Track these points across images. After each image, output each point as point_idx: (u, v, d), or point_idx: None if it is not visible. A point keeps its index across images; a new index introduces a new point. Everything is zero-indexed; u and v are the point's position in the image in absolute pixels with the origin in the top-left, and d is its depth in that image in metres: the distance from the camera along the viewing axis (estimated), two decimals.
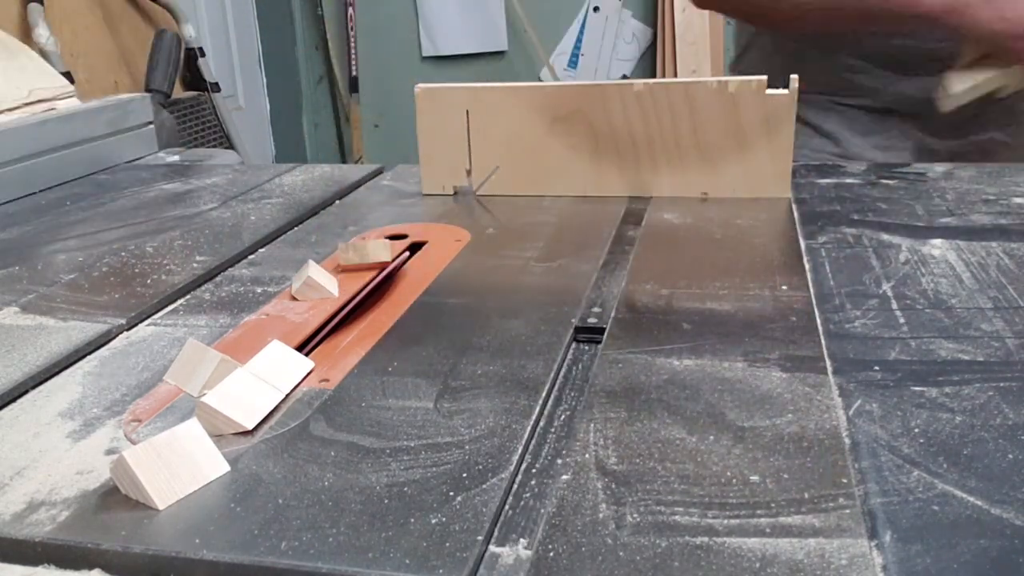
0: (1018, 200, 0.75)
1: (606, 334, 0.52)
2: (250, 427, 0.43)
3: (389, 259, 0.64)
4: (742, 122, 0.78)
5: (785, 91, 0.77)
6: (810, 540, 0.33)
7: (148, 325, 0.58)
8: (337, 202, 0.87)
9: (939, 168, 0.87)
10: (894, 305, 0.55)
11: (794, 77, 0.77)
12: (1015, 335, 0.50)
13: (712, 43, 2.59)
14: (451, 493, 0.37)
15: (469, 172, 0.85)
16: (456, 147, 0.84)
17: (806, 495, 0.36)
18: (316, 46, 2.86)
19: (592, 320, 0.55)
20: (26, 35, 1.57)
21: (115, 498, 0.38)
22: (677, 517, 0.35)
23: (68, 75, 1.44)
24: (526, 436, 0.41)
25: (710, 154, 0.79)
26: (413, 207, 0.83)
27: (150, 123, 1.14)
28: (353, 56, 2.75)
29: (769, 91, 0.77)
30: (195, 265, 0.67)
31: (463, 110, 0.83)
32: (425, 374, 0.48)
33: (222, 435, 0.43)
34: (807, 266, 0.62)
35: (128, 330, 0.57)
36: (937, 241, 0.66)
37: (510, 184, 0.84)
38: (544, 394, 0.46)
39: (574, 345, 0.53)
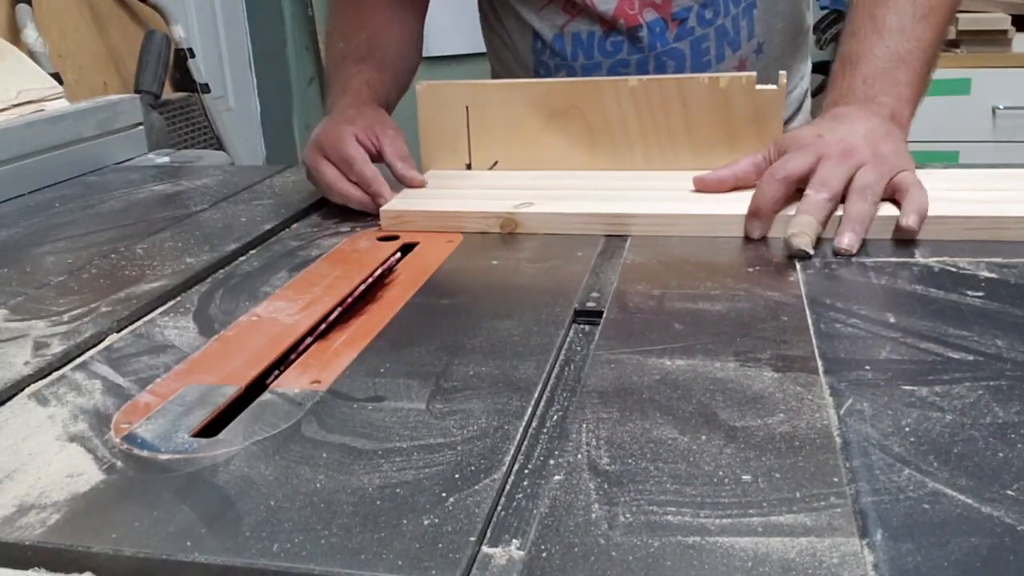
0: None
1: (596, 337, 0.52)
2: None
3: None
4: (732, 117, 0.79)
5: (774, 87, 0.78)
6: (801, 539, 0.33)
7: (139, 327, 0.57)
8: (328, 203, 0.86)
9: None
10: (885, 304, 0.55)
11: (782, 73, 0.79)
12: (1004, 333, 0.50)
13: None
14: (443, 494, 0.37)
15: (469, 166, 0.86)
16: (456, 143, 0.85)
17: (797, 494, 0.36)
18: (306, 47, 2.85)
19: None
20: (14, 36, 1.56)
21: (106, 500, 0.38)
22: (669, 517, 0.35)
23: (57, 76, 1.43)
24: (518, 437, 0.41)
25: (702, 148, 0.80)
26: None
27: (139, 124, 1.14)
28: None
29: (758, 87, 0.78)
30: (185, 267, 0.67)
31: (463, 106, 0.84)
32: (417, 375, 0.48)
33: (218, 437, 0.43)
34: (798, 265, 0.62)
35: (118, 332, 0.57)
36: (928, 242, 0.66)
37: None
38: (536, 395, 0.46)
39: (566, 346, 0.53)
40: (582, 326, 0.56)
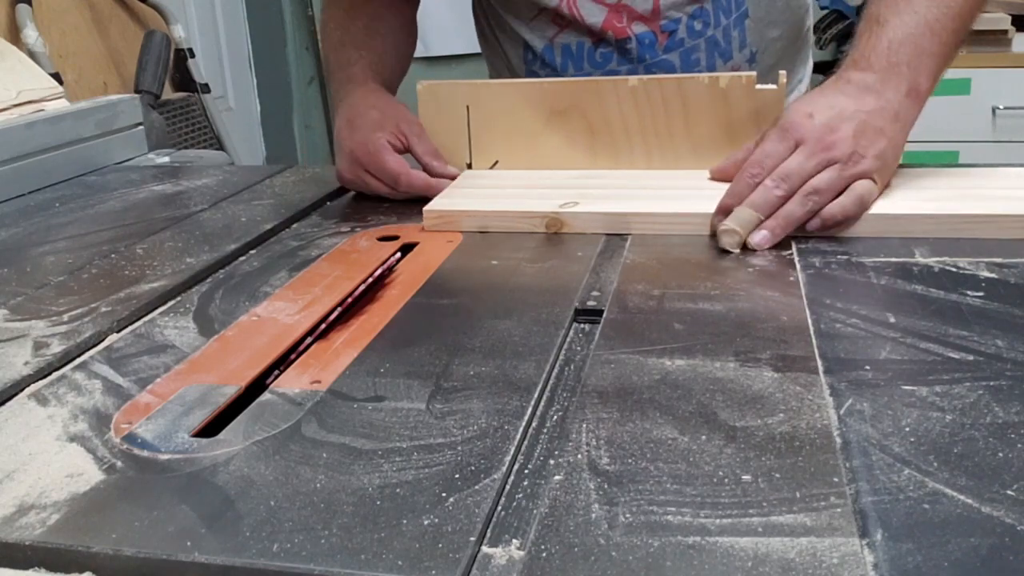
0: None
1: (596, 336, 0.52)
2: None
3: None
4: (733, 117, 0.79)
5: (774, 86, 0.78)
6: (802, 539, 0.33)
7: (139, 327, 0.57)
8: (328, 203, 0.86)
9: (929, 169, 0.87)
10: (885, 304, 0.55)
11: (782, 73, 0.79)
12: (1004, 333, 0.50)
13: None
14: (443, 494, 0.37)
15: (470, 166, 0.86)
16: (457, 142, 0.86)
17: (797, 494, 0.36)
18: (306, 47, 2.85)
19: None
20: (14, 36, 1.56)
21: (105, 500, 0.38)
22: (669, 517, 0.35)
23: (57, 76, 1.43)
24: (518, 437, 0.41)
25: (702, 148, 0.80)
26: (405, 207, 0.82)
27: (140, 124, 1.14)
28: None
29: (758, 86, 0.78)
30: (185, 267, 0.67)
31: (463, 105, 0.84)
32: (417, 375, 0.48)
33: (220, 436, 0.43)
34: (798, 265, 0.62)
35: (118, 332, 0.57)
36: (928, 242, 0.66)
37: None
38: (536, 395, 0.46)
39: (566, 346, 0.53)
40: (582, 325, 0.56)
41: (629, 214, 0.71)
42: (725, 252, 0.64)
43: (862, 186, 0.66)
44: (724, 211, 0.67)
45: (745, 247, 0.64)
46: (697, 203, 0.70)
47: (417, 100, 0.86)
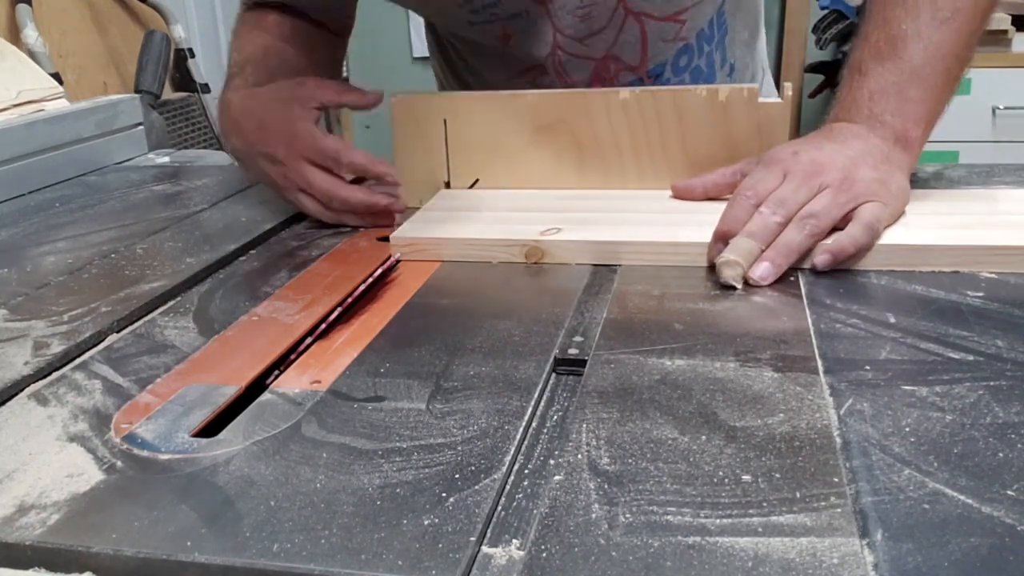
0: None
1: (596, 337, 0.52)
2: None
3: None
4: (733, 132, 0.74)
5: (779, 99, 0.73)
6: (802, 539, 0.33)
7: (139, 327, 0.57)
8: None
9: (929, 168, 0.87)
10: (885, 304, 0.55)
11: (787, 85, 0.74)
12: (1004, 334, 0.50)
13: None
14: (444, 494, 0.37)
15: (448, 184, 0.81)
16: (434, 158, 0.80)
17: (798, 494, 0.36)
18: None
19: (578, 338, 0.55)
20: (14, 36, 1.57)
21: (105, 500, 0.38)
22: (669, 517, 0.35)
23: (57, 76, 1.43)
24: (518, 437, 0.41)
25: (701, 166, 0.75)
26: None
27: (140, 124, 1.14)
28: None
29: (762, 99, 0.73)
30: (185, 267, 0.67)
31: (441, 119, 0.79)
32: (417, 375, 0.48)
33: (219, 436, 0.43)
34: None
35: (118, 332, 0.57)
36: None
37: None
38: (536, 395, 0.46)
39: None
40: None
41: (618, 243, 0.65)
42: (726, 287, 0.59)
43: (868, 211, 0.61)
44: (721, 238, 0.61)
45: (747, 283, 0.59)
46: (693, 231, 0.65)
47: (391, 113, 0.80)
